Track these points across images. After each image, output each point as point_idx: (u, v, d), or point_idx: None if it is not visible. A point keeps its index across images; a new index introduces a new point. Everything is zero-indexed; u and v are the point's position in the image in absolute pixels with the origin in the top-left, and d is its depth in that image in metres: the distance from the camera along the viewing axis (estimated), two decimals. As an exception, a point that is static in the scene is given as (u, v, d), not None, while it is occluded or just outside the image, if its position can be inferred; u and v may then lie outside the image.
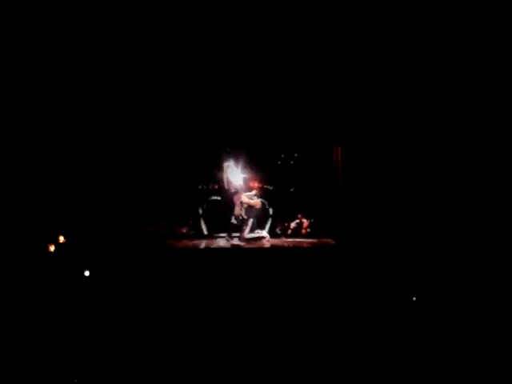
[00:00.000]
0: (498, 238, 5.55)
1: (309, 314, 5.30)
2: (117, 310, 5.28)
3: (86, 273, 5.55)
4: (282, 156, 6.99)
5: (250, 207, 6.93)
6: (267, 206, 7.08)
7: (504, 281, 5.22)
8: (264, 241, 6.87)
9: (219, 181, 6.99)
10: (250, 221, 6.89)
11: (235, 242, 6.84)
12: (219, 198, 7.04)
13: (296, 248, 6.68)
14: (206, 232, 7.10)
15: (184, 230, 7.10)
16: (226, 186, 6.95)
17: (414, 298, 5.47)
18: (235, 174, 6.89)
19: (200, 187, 7.00)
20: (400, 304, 5.40)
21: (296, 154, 6.97)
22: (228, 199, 7.00)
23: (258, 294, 5.74)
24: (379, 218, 6.18)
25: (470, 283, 5.38)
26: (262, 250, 6.78)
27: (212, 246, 6.79)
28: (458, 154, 5.94)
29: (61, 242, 5.52)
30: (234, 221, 6.94)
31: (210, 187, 7.04)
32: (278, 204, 7.05)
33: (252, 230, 6.92)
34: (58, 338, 4.60)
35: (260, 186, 6.95)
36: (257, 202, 6.93)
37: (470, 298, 5.16)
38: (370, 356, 4.23)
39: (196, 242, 6.89)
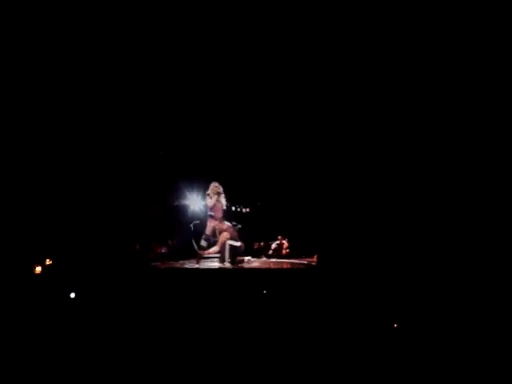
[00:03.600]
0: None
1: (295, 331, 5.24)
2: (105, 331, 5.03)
3: (72, 295, 5.21)
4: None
5: (235, 247, 6.93)
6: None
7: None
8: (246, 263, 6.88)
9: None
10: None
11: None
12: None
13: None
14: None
15: (163, 250, 6.96)
16: (209, 205, 6.78)
17: (395, 325, 5.25)
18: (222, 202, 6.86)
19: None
20: (381, 330, 5.16)
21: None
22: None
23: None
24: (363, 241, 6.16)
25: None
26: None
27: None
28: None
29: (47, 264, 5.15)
30: (203, 243, 6.80)
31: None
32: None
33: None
34: (44, 362, 4.30)
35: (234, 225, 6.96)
36: (242, 244, 6.93)
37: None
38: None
39: (182, 262, 6.67)
